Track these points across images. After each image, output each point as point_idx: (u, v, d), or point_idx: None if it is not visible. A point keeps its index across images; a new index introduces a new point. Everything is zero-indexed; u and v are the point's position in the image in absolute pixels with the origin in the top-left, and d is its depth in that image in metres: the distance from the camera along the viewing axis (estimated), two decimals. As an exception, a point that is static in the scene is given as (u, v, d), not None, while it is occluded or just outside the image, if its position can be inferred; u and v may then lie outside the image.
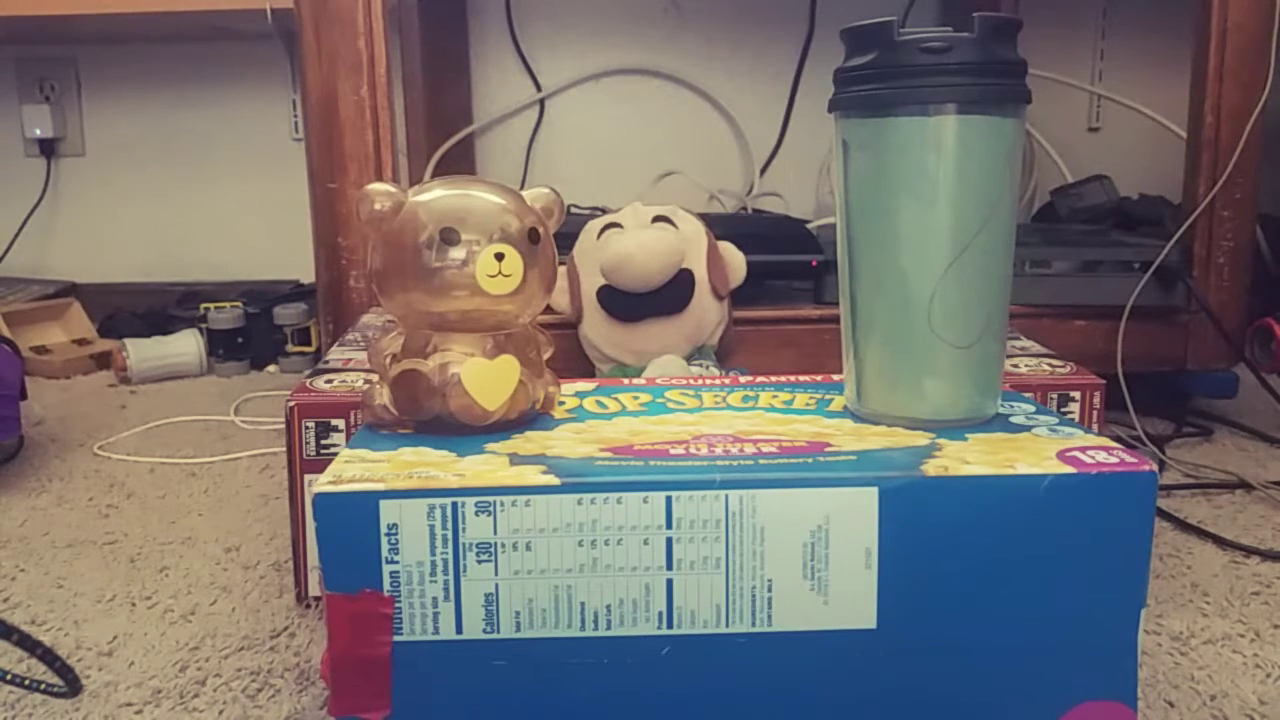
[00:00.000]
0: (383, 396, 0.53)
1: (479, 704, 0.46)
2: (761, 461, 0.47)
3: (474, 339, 0.52)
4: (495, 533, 0.45)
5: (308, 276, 1.67)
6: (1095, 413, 0.73)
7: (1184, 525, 0.83)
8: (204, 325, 1.48)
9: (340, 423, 0.67)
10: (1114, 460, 0.47)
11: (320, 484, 0.45)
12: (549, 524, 0.45)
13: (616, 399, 0.59)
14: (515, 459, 0.49)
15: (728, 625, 0.46)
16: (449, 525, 0.45)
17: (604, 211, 1.02)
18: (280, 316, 1.49)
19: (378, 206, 0.52)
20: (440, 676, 0.46)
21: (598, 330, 0.90)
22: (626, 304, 0.87)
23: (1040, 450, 0.48)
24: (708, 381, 0.63)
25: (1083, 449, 0.48)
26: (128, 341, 1.44)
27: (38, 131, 1.73)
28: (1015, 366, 0.75)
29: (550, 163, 1.69)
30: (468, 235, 0.51)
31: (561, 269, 0.90)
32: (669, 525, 0.45)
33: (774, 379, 0.63)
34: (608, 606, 0.46)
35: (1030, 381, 0.72)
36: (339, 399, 0.67)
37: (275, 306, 1.50)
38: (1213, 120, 1.06)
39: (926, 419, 0.53)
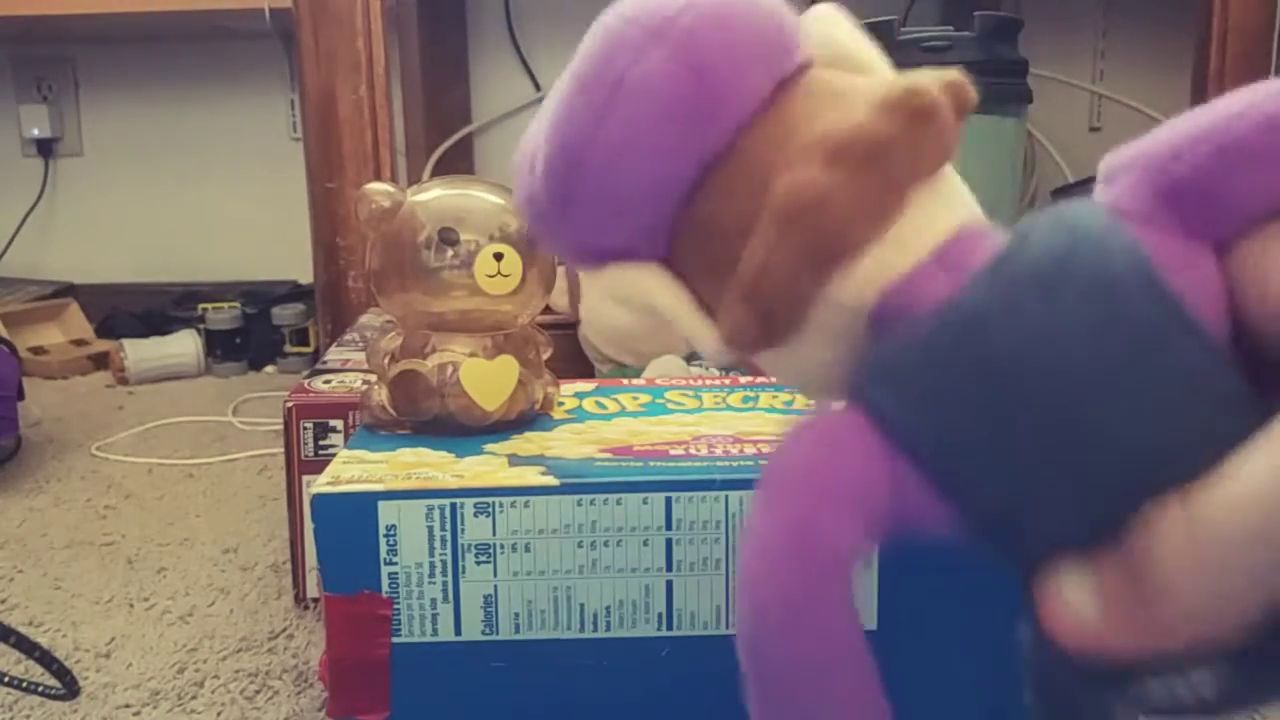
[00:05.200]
0: (381, 397, 0.53)
1: (478, 706, 0.46)
2: (762, 462, 0.47)
3: (473, 339, 0.52)
4: (494, 534, 0.45)
5: (306, 277, 1.67)
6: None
7: (1184, 526, 0.83)
8: (202, 326, 1.48)
9: (338, 423, 0.66)
10: (1116, 461, 0.46)
11: (318, 485, 0.45)
12: (548, 525, 0.45)
13: (616, 399, 0.59)
14: (514, 460, 0.48)
15: (728, 627, 0.46)
16: (448, 526, 0.45)
17: (603, 211, 1.02)
18: (278, 317, 1.49)
19: (376, 206, 0.52)
20: (439, 678, 0.46)
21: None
22: (626, 304, 0.87)
23: (1041, 451, 0.48)
24: (708, 382, 0.63)
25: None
26: (125, 342, 1.43)
27: (35, 131, 1.72)
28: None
29: (549, 163, 1.68)
30: (466, 235, 0.51)
31: (561, 269, 0.89)
32: (669, 526, 0.45)
33: (774, 379, 0.63)
34: (607, 608, 0.46)
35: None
36: (337, 399, 0.67)
37: (273, 307, 1.50)
38: (1213, 120, 1.06)
39: (927, 419, 0.52)
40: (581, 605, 0.46)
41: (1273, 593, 0.22)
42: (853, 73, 0.29)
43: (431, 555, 0.45)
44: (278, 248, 1.73)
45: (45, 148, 1.75)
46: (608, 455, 0.49)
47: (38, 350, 1.50)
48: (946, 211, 0.28)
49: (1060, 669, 0.27)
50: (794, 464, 0.27)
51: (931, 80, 0.27)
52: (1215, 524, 0.22)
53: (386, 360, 0.53)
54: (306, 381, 0.70)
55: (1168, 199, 0.25)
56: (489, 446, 0.50)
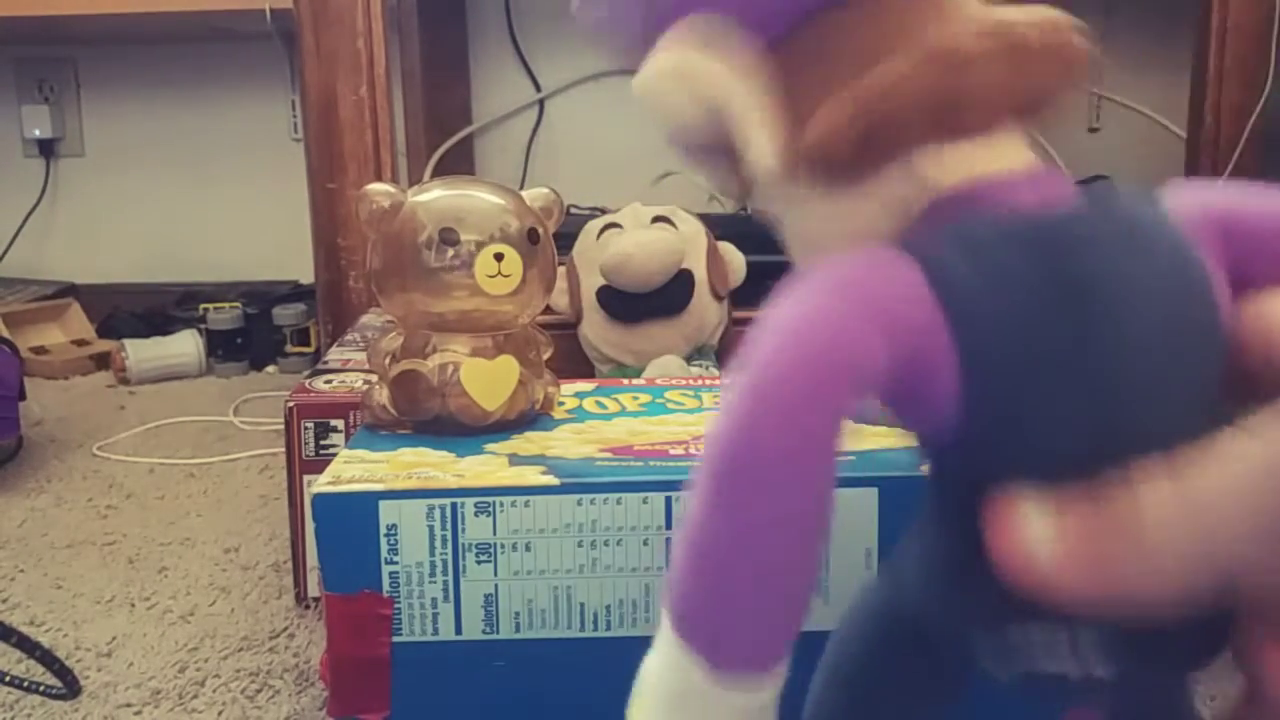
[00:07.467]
0: (382, 397, 0.53)
1: (478, 705, 0.46)
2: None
3: (474, 339, 0.52)
4: (495, 533, 0.45)
5: (307, 277, 1.67)
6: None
7: (1184, 525, 0.83)
8: (203, 326, 1.48)
9: (339, 423, 0.67)
10: (1114, 460, 0.46)
11: (319, 484, 0.45)
12: (548, 524, 0.45)
13: (616, 399, 0.59)
14: (515, 459, 0.48)
15: (728, 626, 0.46)
16: (448, 526, 0.45)
17: (604, 211, 1.02)
18: (279, 317, 1.49)
19: (377, 207, 0.52)
20: (439, 677, 0.46)
21: (597, 331, 0.90)
22: (626, 304, 0.87)
23: (1041, 450, 0.48)
24: (708, 382, 0.63)
25: (1083, 449, 0.48)
26: (127, 342, 1.44)
27: (37, 132, 1.73)
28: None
29: (550, 163, 1.69)
30: (467, 235, 0.51)
31: (561, 269, 0.90)
32: (669, 526, 0.45)
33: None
34: (607, 607, 0.46)
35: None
36: (338, 399, 0.67)
37: (274, 307, 1.50)
38: (1213, 120, 1.06)
39: (927, 419, 0.52)
40: (581, 605, 0.46)
41: (1236, 563, 0.24)
42: None
43: (432, 555, 0.45)
44: (278, 248, 1.73)
45: (47, 148, 1.75)
46: (608, 455, 0.49)
47: (39, 350, 1.50)
48: (1025, 148, 0.30)
49: (957, 596, 0.30)
50: (840, 272, 0.27)
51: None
52: (1208, 492, 0.24)
53: (387, 360, 0.53)
54: (307, 381, 0.70)
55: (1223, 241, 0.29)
56: (489, 446, 0.50)
